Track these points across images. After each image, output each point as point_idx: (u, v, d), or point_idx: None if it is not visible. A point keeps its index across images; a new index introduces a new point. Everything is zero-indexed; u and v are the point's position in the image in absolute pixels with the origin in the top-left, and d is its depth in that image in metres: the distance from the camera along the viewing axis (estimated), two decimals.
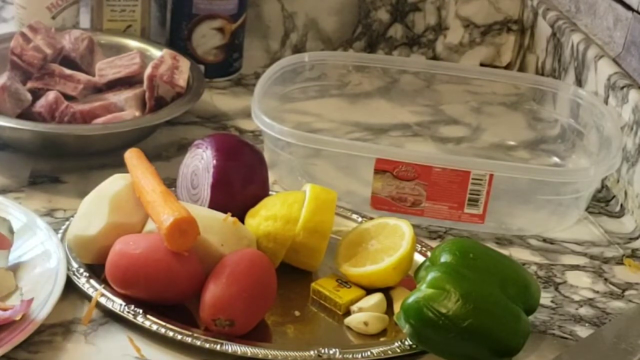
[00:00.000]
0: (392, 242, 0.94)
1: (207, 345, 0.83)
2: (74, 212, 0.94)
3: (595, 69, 1.23)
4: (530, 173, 1.06)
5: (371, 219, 1.01)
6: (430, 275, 0.85)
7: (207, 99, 1.30)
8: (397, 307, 0.90)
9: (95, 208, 0.91)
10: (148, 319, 0.86)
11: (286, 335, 0.89)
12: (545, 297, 0.97)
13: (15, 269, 0.89)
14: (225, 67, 1.37)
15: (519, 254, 1.05)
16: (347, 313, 0.91)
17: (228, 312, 0.84)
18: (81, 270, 0.91)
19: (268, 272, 0.87)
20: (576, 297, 0.98)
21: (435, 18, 1.49)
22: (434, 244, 1.02)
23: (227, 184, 0.97)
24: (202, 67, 1.30)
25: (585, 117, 1.20)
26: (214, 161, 0.97)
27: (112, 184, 0.93)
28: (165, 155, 1.15)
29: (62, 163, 1.11)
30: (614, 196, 1.17)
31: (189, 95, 1.16)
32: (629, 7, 1.19)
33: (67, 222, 0.98)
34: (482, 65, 1.51)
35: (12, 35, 1.19)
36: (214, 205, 0.95)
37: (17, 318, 0.81)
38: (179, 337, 0.84)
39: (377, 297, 0.92)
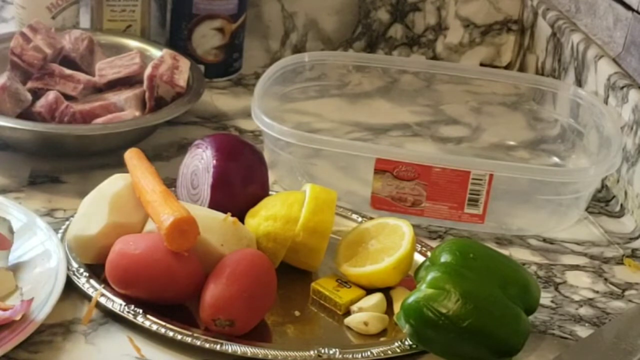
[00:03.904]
0: (392, 242, 0.94)
1: (207, 345, 0.83)
2: (74, 212, 0.94)
3: (595, 69, 1.23)
4: (530, 173, 1.06)
5: (371, 219, 1.01)
6: (430, 275, 0.85)
7: (207, 99, 1.30)
8: (397, 307, 0.90)
9: (95, 208, 0.91)
10: (148, 319, 0.85)
11: (286, 335, 0.89)
12: (545, 297, 0.97)
13: (15, 269, 0.89)
14: (225, 67, 1.37)
15: (519, 254, 1.05)
16: (347, 313, 0.91)
17: (228, 312, 0.83)
18: (81, 270, 0.91)
19: (268, 272, 0.87)
20: (576, 297, 0.98)
21: (435, 18, 1.49)
22: (434, 244, 1.02)
23: (227, 184, 0.97)
24: (202, 67, 1.30)
25: (585, 117, 1.20)
26: (214, 161, 0.97)
27: (112, 184, 0.93)
28: (165, 155, 1.15)
29: (62, 163, 1.10)
30: (614, 196, 1.17)
31: (189, 95, 1.16)
32: (629, 7, 1.19)
33: (67, 222, 0.98)
34: (482, 65, 1.51)
35: (12, 35, 1.19)
36: (214, 205, 0.95)
37: (17, 318, 0.81)
38: (179, 337, 0.84)
39: (377, 297, 0.92)
